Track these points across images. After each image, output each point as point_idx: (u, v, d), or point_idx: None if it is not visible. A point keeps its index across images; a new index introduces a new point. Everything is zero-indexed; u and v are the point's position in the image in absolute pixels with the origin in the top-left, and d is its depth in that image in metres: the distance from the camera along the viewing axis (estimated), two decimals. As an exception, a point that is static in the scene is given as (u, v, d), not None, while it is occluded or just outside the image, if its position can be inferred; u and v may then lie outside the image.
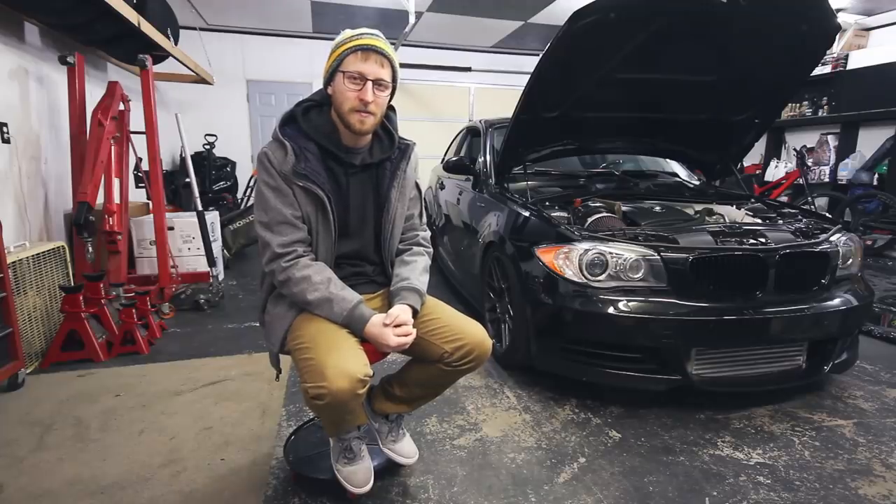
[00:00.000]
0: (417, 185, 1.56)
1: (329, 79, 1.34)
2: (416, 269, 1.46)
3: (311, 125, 1.36)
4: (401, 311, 1.33)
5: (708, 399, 2.11)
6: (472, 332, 1.41)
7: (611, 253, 2.01)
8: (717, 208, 2.58)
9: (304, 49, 6.94)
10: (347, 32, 1.32)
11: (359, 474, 1.45)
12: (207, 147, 6.30)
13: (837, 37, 3.35)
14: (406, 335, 1.31)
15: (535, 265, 2.15)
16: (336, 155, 1.37)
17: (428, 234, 1.61)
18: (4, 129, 2.90)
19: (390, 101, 1.41)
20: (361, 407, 1.53)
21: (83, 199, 2.81)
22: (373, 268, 1.51)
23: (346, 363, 1.20)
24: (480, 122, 3.66)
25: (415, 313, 1.38)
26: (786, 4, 2.17)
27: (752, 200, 2.84)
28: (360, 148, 1.40)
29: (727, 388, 2.08)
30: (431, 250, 1.59)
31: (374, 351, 1.37)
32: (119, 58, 4.20)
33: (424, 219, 1.62)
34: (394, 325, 1.30)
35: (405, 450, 1.57)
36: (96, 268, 2.95)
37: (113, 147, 3.10)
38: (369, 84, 1.29)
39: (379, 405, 1.56)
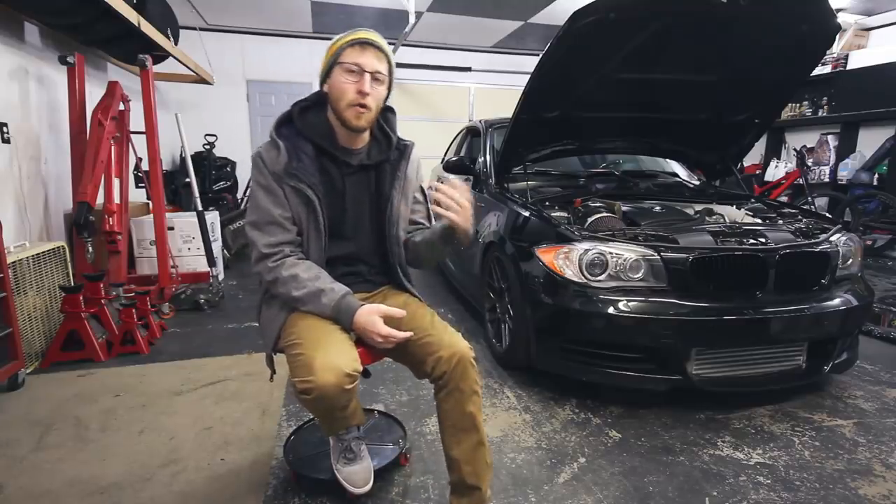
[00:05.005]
0: (422, 189, 1.54)
1: (325, 75, 1.33)
2: None
3: (307, 124, 1.36)
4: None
5: (708, 399, 2.11)
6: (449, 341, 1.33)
7: (611, 253, 2.01)
8: (717, 208, 2.58)
9: (304, 49, 6.93)
10: (346, 33, 1.32)
11: (359, 474, 1.45)
12: (207, 147, 6.30)
13: (837, 37, 3.35)
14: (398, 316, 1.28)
15: (535, 265, 2.15)
16: (332, 155, 1.36)
17: None
18: (4, 129, 2.90)
19: (387, 99, 1.40)
20: (358, 406, 1.52)
21: (83, 199, 2.81)
22: (368, 268, 1.49)
23: (334, 358, 1.18)
24: (480, 122, 3.66)
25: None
26: (786, 4, 2.17)
27: (752, 200, 2.84)
28: (357, 149, 1.39)
29: (727, 388, 2.08)
30: None
31: (367, 352, 1.36)
32: (119, 58, 4.20)
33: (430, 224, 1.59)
34: (385, 315, 1.28)
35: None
36: (96, 268, 2.94)
37: (113, 147, 3.10)
38: (367, 76, 1.29)
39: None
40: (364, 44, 1.29)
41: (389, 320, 1.28)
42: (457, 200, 1.24)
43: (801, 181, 5.58)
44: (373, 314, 1.27)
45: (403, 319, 1.30)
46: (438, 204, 1.25)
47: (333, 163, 1.37)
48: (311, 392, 1.16)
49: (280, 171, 1.30)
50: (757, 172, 6.39)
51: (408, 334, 1.28)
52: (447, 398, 1.32)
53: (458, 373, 1.30)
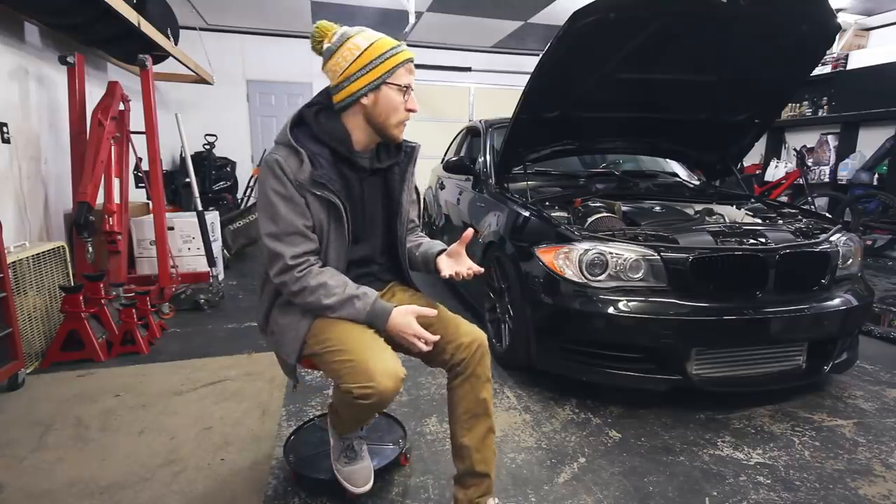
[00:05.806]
0: (416, 188, 1.57)
1: (370, 89, 1.27)
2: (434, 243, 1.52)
3: (322, 129, 1.32)
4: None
5: (708, 399, 2.11)
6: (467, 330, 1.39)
7: (611, 253, 2.01)
8: (717, 208, 2.58)
9: (304, 49, 6.82)
10: (382, 42, 1.27)
11: (359, 474, 1.45)
12: (207, 147, 6.30)
13: (837, 37, 3.35)
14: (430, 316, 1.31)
15: (535, 265, 2.15)
16: (350, 160, 1.34)
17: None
18: (4, 129, 2.90)
19: None
20: None
21: (83, 199, 2.82)
22: (378, 267, 1.50)
23: (387, 363, 1.19)
24: (480, 122, 3.66)
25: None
26: (786, 4, 2.17)
27: (752, 200, 2.84)
28: (368, 152, 1.38)
29: (727, 388, 2.08)
30: None
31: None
32: (119, 58, 4.20)
33: (420, 221, 1.62)
34: (418, 315, 1.29)
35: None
36: (96, 268, 2.94)
37: (113, 147, 3.10)
38: (412, 94, 1.31)
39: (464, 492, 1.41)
40: (410, 62, 1.31)
41: (419, 319, 1.29)
42: (463, 276, 1.39)
43: (801, 181, 5.58)
44: (407, 315, 1.27)
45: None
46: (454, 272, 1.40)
47: (350, 168, 1.36)
48: (370, 397, 1.16)
49: (305, 180, 1.26)
50: (757, 172, 6.39)
51: (437, 337, 1.29)
52: (463, 384, 1.35)
53: (476, 359, 1.34)
